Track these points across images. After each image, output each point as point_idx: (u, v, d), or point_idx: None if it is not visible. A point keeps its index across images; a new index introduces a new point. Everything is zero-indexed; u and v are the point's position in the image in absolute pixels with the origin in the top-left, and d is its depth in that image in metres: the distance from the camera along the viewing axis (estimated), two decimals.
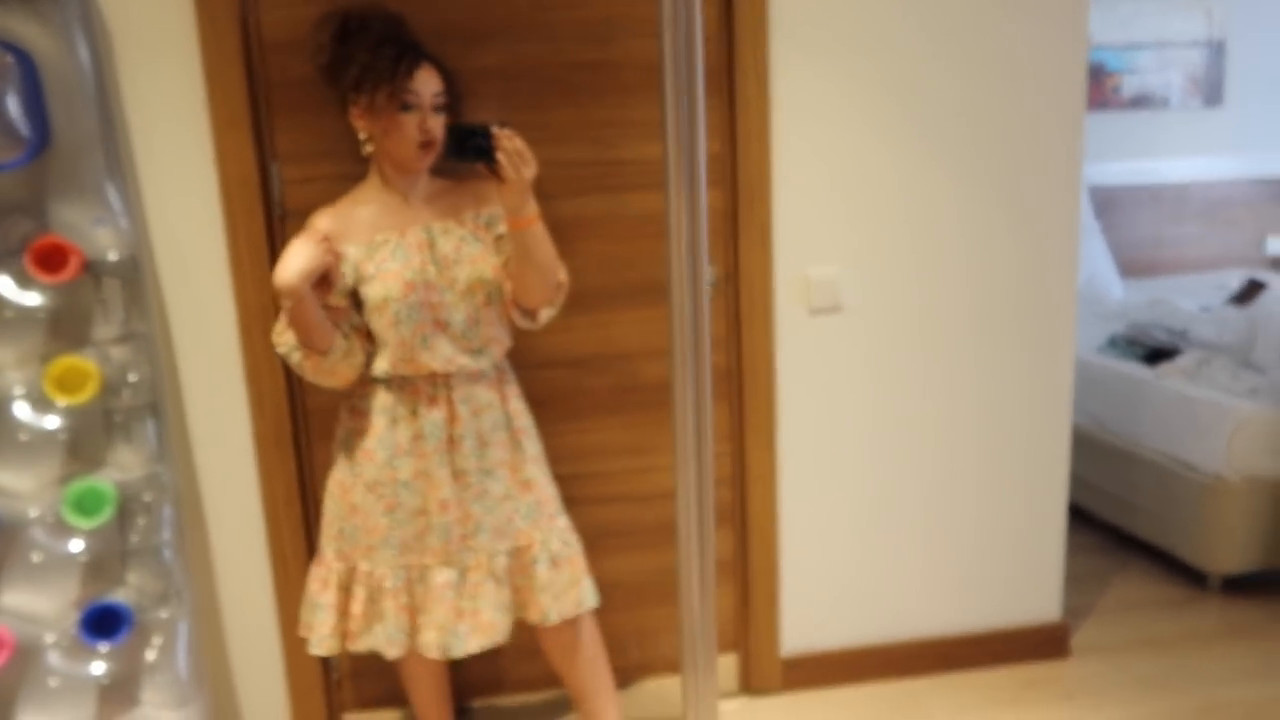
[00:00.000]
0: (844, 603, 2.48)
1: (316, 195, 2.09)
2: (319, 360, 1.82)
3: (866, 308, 2.34)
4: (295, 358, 1.83)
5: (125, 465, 1.91)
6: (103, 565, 1.90)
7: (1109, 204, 4.57)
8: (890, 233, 2.31)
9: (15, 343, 1.87)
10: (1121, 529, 3.24)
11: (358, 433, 1.90)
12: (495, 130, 1.68)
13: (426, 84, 1.81)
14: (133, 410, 1.90)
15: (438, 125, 1.83)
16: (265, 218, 2.06)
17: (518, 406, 1.97)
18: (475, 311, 1.86)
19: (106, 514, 1.88)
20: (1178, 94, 4.48)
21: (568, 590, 1.96)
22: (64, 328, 1.89)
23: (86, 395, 1.87)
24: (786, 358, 2.33)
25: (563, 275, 1.90)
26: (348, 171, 2.10)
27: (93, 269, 1.88)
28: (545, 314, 1.92)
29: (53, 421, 1.87)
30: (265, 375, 2.10)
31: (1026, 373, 2.43)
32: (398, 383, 1.87)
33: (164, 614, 1.92)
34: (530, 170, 1.71)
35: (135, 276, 1.90)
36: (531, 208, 1.76)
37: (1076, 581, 2.97)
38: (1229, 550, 2.82)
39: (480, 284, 1.85)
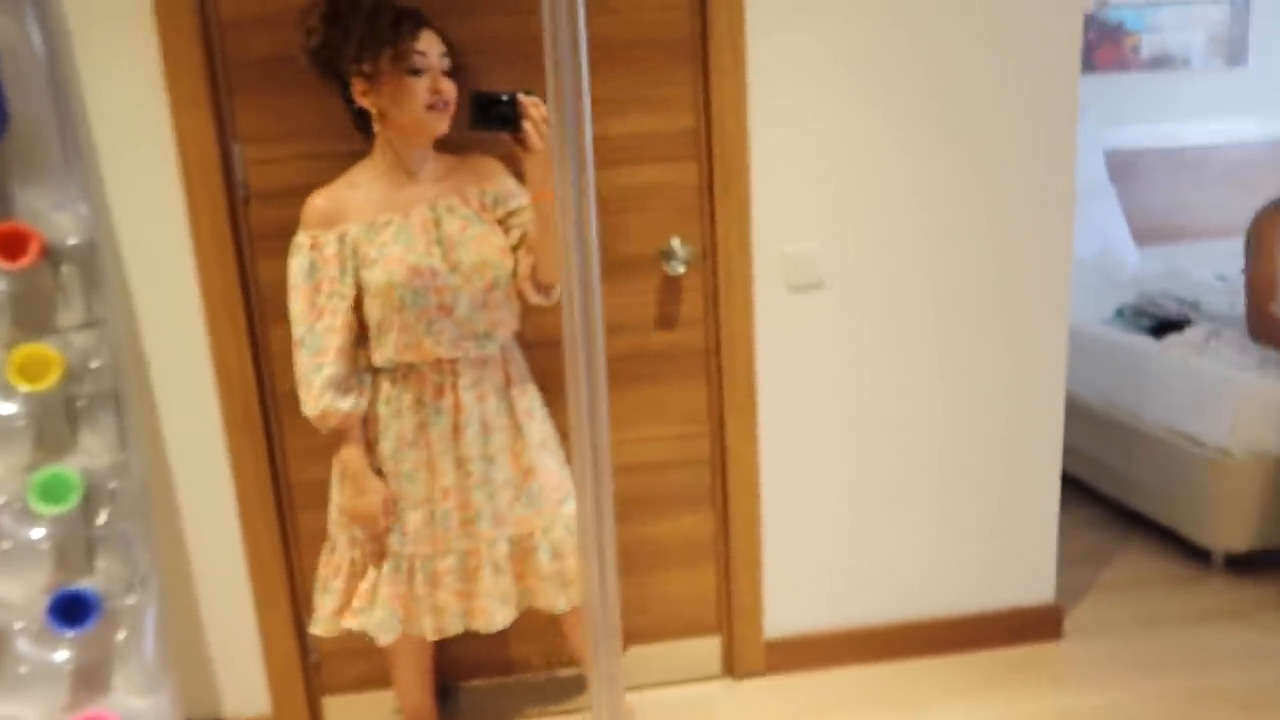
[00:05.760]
0: (829, 585, 2.44)
1: (281, 176, 2.06)
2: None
3: (850, 284, 2.27)
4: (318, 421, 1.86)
5: (91, 452, 1.91)
6: (68, 552, 1.90)
7: (1126, 168, 4.44)
8: (875, 206, 2.24)
9: None
10: (1124, 505, 3.16)
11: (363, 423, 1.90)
12: (521, 98, 1.64)
13: (432, 46, 1.77)
14: (95, 397, 1.89)
15: (449, 88, 1.78)
16: (228, 199, 2.03)
17: (521, 390, 1.94)
18: (481, 295, 1.82)
19: (72, 501, 1.87)
20: (1199, 54, 4.32)
21: (573, 581, 1.95)
22: (24, 315, 1.87)
23: (49, 382, 1.86)
24: (766, 336, 2.28)
25: None
26: (313, 151, 2.07)
27: (52, 255, 1.86)
28: (559, 290, 1.88)
29: (11, 409, 1.86)
30: (233, 359, 2.09)
31: (1018, 348, 2.36)
32: (402, 371, 1.85)
33: (130, 601, 1.93)
34: None
35: (93, 262, 1.88)
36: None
37: (1075, 559, 2.91)
38: (1232, 528, 2.74)
39: (486, 266, 1.81)
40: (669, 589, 2.42)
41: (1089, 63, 4.28)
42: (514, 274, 1.86)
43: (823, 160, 2.20)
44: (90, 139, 1.96)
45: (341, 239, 1.79)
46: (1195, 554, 2.89)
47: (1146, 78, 4.37)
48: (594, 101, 2.09)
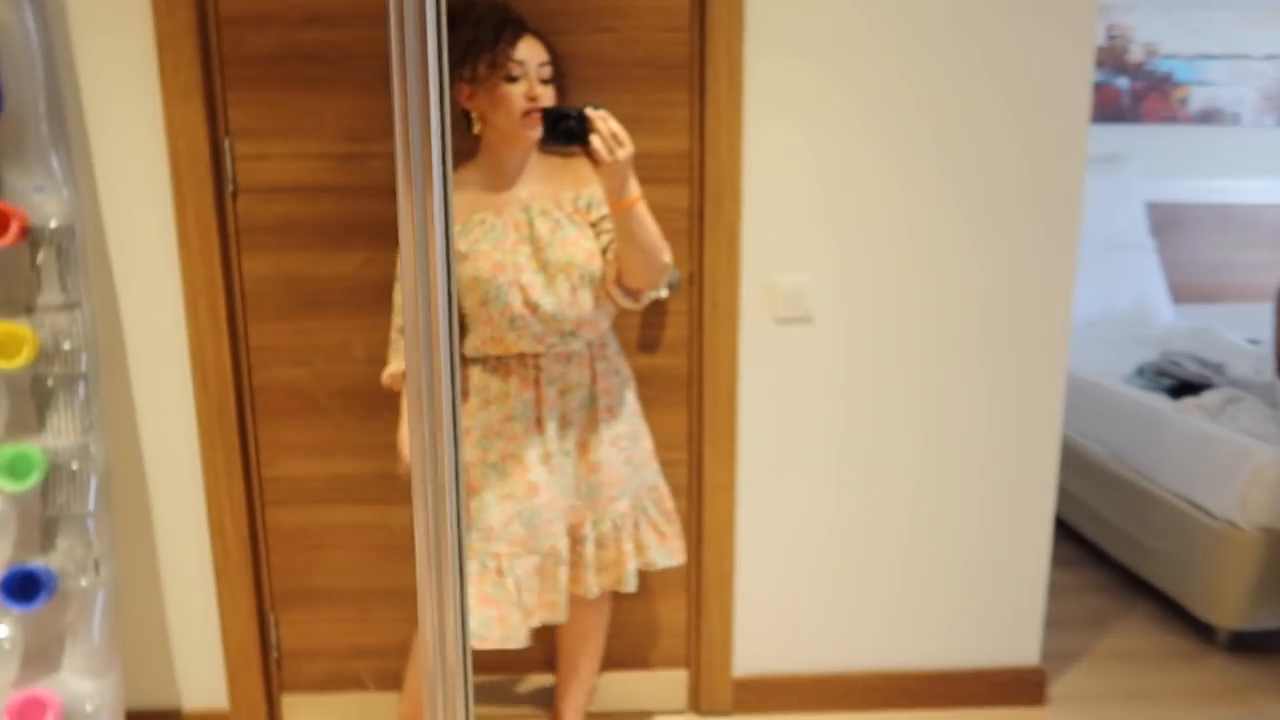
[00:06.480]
0: (803, 626, 2.37)
1: (270, 173, 2.08)
2: None
3: (838, 320, 2.22)
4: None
5: (56, 432, 1.92)
6: (25, 530, 1.91)
7: (1169, 222, 4.31)
8: (868, 242, 2.19)
9: None
10: (1132, 571, 3.04)
11: (463, 413, 1.93)
12: (589, 112, 1.67)
13: (531, 54, 1.81)
14: (64, 378, 1.91)
15: (546, 94, 1.82)
16: (215, 193, 2.04)
17: (607, 385, 1.96)
18: (567, 294, 1.85)
19: (34, 480, 1.89)
20: (1250, 110, 4.19)
21: (610, 567, 2.00)
22: (1, 293, 1.90)
23: (21, 361, 1.88)
24: (750, 367, 2.23)
25: (667, 256, 1.88)
26: (304, 150, 2.08)
27: (33, 236, 1.89)
28: (649, 294, 1.94)
29: None
30: (209, 351, 2.10)
31: (1012, 398, 2.28)
32: (491, 363, 1.90)
33: (84, 583, 1.93)
34: (625, 152, 1.69)
35: (73, 245, 1.90)
36: (632, 189, 1.75)
37: (1072, 623, 2.80)
38: (1237, 604, 2.61)
39: (571, 267, 1.84)
40: (640, 617, 2.37)
41: (1135, 113, 4.18)
42: (603, 277, 1.89)
43: (817, 192, 2.15)
44: (82, 125, 1.99)
45: None
46: (1199, 629, 2.76)
47: (1195, 131, 4.25)
48: None
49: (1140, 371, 3.19)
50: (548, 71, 1.83)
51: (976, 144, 2.15)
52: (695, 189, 2.16)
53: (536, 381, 1.89)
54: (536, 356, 1.88)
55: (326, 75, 2.04)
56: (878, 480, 2.31)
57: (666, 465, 2.28)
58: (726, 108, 2.09)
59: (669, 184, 2.15)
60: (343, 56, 2.04)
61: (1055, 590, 2.93)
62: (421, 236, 0.82)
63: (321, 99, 2.05)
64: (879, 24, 2.08)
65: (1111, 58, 4.12)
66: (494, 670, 2.37)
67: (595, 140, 1.67)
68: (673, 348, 2.24)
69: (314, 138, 2.07)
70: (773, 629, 2.37)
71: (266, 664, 2.31)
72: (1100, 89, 4.14)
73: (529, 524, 1.88)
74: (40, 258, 1.88)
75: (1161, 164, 4.24)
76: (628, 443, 2.00)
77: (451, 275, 0.89)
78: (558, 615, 1.96)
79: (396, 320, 1.93)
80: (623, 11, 2.06)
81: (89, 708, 1.94)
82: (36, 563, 1.91)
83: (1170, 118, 4.21)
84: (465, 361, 1.93)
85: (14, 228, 1.86)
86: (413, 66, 0.79)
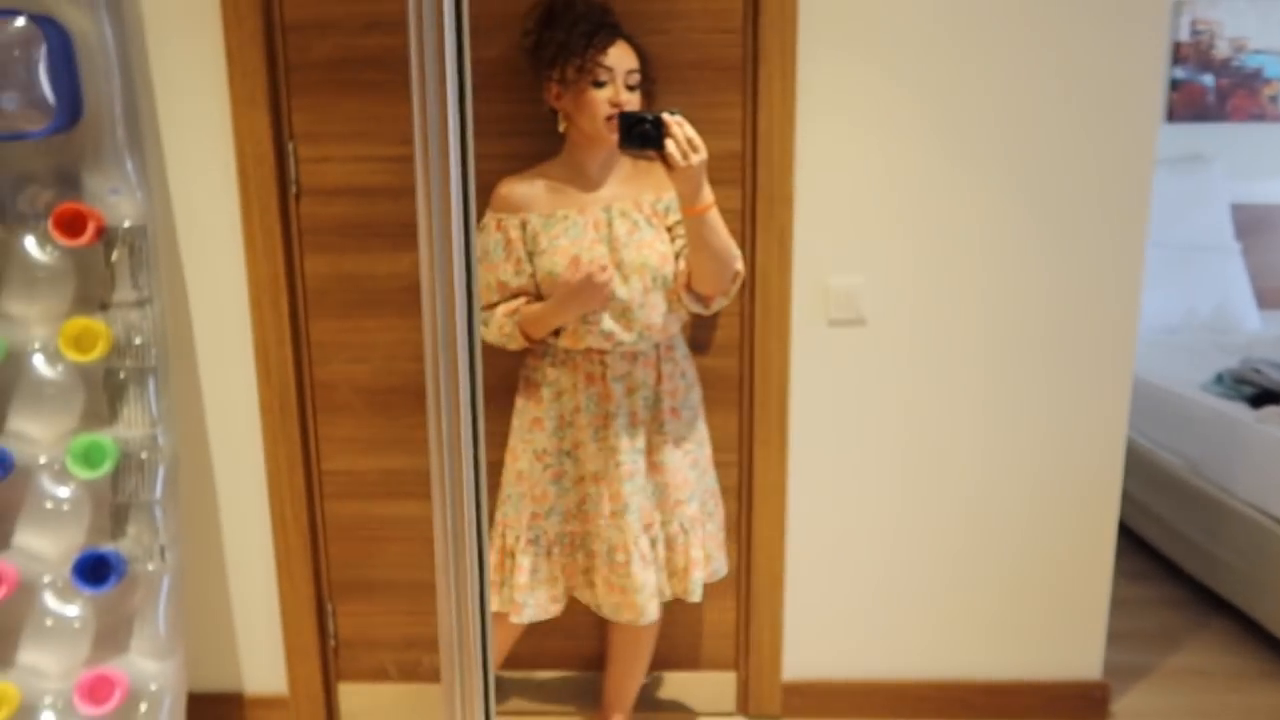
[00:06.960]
0: (854, 632, 2.35)
1: (331, 175, 2.14)
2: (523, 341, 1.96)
3: (893, 322, 2.19)
4: (513, 345, 1.96)
5: (127, 423, 2.01)
6: (97, 515, 2.00)
7: (1258, 224, 4.13)
8: (923, 243, 2.15)
9: (43, 301, 1.99)
10: (1206, 586, 2.92)
11: (530, 403, 2.00)
12: (665, 117, 1.70)
13: (621, 60, 1.85)
14: (135, 372, 1.99)
15: (632, 101, 1.86)
16: (279, 195, 2.11)
17: (672, 387, 1.99)
18: (639, 295, 1.89)
19: (106, 468, 1.97)
20: None
21: (678, 574, 2.02)
22: (78, 290, 2.00)
23: (96, 355, 1.97)
24: (802, 369, 2.21)
25: (739, 264, 1.91)
26: (364, 153, 2.14)
27: (108, 236, 1.98)
28: (718, 302, 1.96)
29: (68, 377, 1.98)
30: (272, 347, 2.17)
31: (1074, 405, 2.22)
32: (562, 356, 1.96)
33: (150, 567, 2.01)
34: (699, 158, 1.72)
35: (143, 245, 1.98)
36: (705, 195, 1.78)
37: (1142, 638, 2.71)
38: None
39: (644, 269, 1.88)
40: (690, 618, 2.37)
41: (1220, 111, 4.02)
42: (675, 280, 1.93)
43: (871, 193, 2.13)
44: (155, 130, 2.08)
45: (523, 225, 1.91)
46: (1276, 648, 2.64)
47: None
48: None
49: (1219, 379, 3.07)
50: (635, 78, 1.86)
51: (1039, 143, 2.10)
52: (747, 190, 2.15)
53: (603, 378, 1.93)
54: (603, 353, 1.92)
55: (385, 80, 2.09)
56: (933, 485, 2.27)
57: (717, 467, 2.28)
58: (779, 108, 2.08)
59: (721, 185, 2.14)
60: (401, 62, 2.09)
61: (1124, 604, 2.84)
62: (441, 240, 0.84)
63: (380, 103, 2.11)
64: (935, 21, 2.05)
65: (1196, 54, 3.97)
66: (540, 666, 2.39)
67: (669, 145, 1.69)
68: (724, 349, 2.23)
69: (373, 141, 2.12)
70: (824, 633, 2.35)
71: (325, 652, 2.37)
72: (1183, 86, 4.00)
73: (595, 510, 1.96)
74: (115, 256, 1.97)
75: (1249, 164, 4.07)
76: (693, 446, 2.04)
77: (472, 275, 0.91)
78: (641, 617, 1.96)
79: (491, 297, 1.96)
80: (676, 14, 2.07)
81: (153, 687, 2.02)
82: (107, 547, 2.00)
83: (1259, 115, 4.03)
84: (542, 357, 1.98)
85: (91, 228, 1.95)
86: (431, 73, 0.81)
